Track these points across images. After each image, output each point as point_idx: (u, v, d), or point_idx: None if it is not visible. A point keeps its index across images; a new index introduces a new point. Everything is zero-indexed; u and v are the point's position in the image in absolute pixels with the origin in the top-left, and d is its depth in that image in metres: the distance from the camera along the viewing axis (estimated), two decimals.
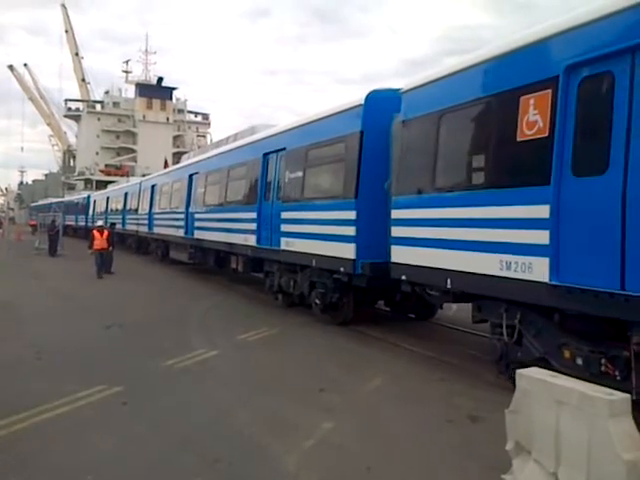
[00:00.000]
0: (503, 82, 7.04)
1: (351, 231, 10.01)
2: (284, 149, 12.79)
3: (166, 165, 61.96)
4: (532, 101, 6.49)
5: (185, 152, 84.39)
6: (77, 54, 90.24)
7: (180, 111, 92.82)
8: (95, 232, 21.02)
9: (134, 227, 30.09)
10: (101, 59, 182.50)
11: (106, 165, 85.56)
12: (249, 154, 15.06)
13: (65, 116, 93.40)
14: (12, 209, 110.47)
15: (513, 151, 6.85)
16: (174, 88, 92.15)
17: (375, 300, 12.34)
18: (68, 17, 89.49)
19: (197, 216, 19.23)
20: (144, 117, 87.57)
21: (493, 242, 7.02)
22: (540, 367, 4.87)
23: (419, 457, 5.31)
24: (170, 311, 13.39)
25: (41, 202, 73.47)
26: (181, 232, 20.80)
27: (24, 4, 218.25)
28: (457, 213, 7.70)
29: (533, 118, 6.47)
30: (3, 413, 6.13)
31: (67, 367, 8.32)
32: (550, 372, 4.44)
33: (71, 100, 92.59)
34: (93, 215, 41.75)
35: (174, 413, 6.45)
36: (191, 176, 20.36)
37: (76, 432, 5.87)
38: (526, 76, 6.63)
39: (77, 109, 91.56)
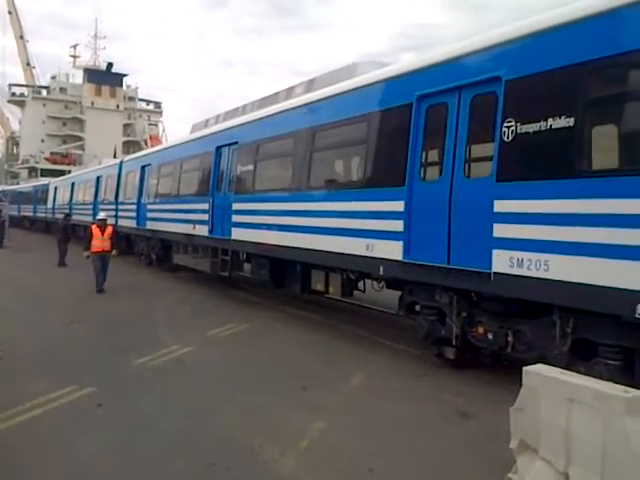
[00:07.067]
0: None
1: None
2: (497, 80, 6.79)
3: (115, 154, 60.11)
4: None
5: (136, 141, 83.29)
6: (22, 37, 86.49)
7: (131, 99, 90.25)
8: (94, 228, 15.22)
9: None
10: (51, 45, 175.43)
11: (52, 153, 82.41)
12: (374, 103, 9.07)
13: (9, 101, 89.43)
14: None
15: None
16: (124, 75, 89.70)
17: None
18: None
19: (237, 207, 13.28)
20: (92, 104, 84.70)
21: None
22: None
23: (420, 456, 5.20)
24: None
25: None
26: (202, 229, 14.96)
27: None
28: None
29: None
30: None
31: (31, 366, 7.82)
32: (559, 369, 4.39)
33: (15, 85, 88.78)
34: (54, 205, 38.24)
35: (156, 414, 6.11)
36: (219, 149, 14.57)
37: (54, 437, 5.49)
38: None
39: (22, 94, 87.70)
